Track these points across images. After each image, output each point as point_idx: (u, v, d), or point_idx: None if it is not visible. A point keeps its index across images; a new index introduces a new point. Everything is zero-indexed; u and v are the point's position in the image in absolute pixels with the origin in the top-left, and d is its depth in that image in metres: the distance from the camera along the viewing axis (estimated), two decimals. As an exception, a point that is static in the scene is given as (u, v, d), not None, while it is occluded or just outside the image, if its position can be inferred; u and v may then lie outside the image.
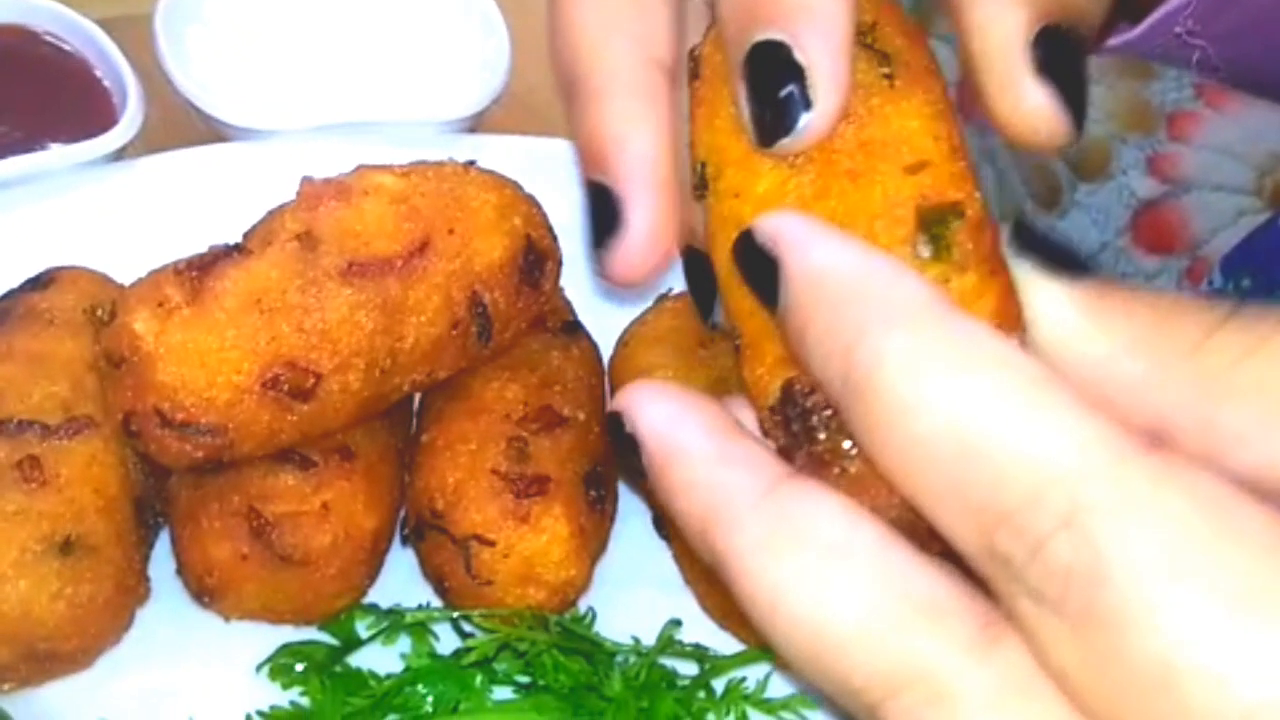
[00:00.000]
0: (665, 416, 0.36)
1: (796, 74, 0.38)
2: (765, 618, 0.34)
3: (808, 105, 0.37)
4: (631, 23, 0.43)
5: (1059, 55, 0.40)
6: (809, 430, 0.36)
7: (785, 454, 0.37)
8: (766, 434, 0.38)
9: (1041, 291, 0.35)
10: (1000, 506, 0.31)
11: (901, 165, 0.37)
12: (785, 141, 0.38)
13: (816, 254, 0.35)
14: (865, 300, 0.33)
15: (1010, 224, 0.36)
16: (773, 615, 0.33)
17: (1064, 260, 0.36)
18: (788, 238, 0.35)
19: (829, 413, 0.35)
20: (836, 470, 0.35)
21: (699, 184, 0.41)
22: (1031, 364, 0.32)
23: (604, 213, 0.42)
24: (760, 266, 0.36)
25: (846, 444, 0.35)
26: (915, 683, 0.32)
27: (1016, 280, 0.36)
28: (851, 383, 0.33)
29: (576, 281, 0.82)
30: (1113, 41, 0.67)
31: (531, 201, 0.77)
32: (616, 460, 0.38)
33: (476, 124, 0.96)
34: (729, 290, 0.39)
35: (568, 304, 0.84)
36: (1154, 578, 0.29)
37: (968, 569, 0.33)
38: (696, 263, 0.43)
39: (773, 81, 0.38)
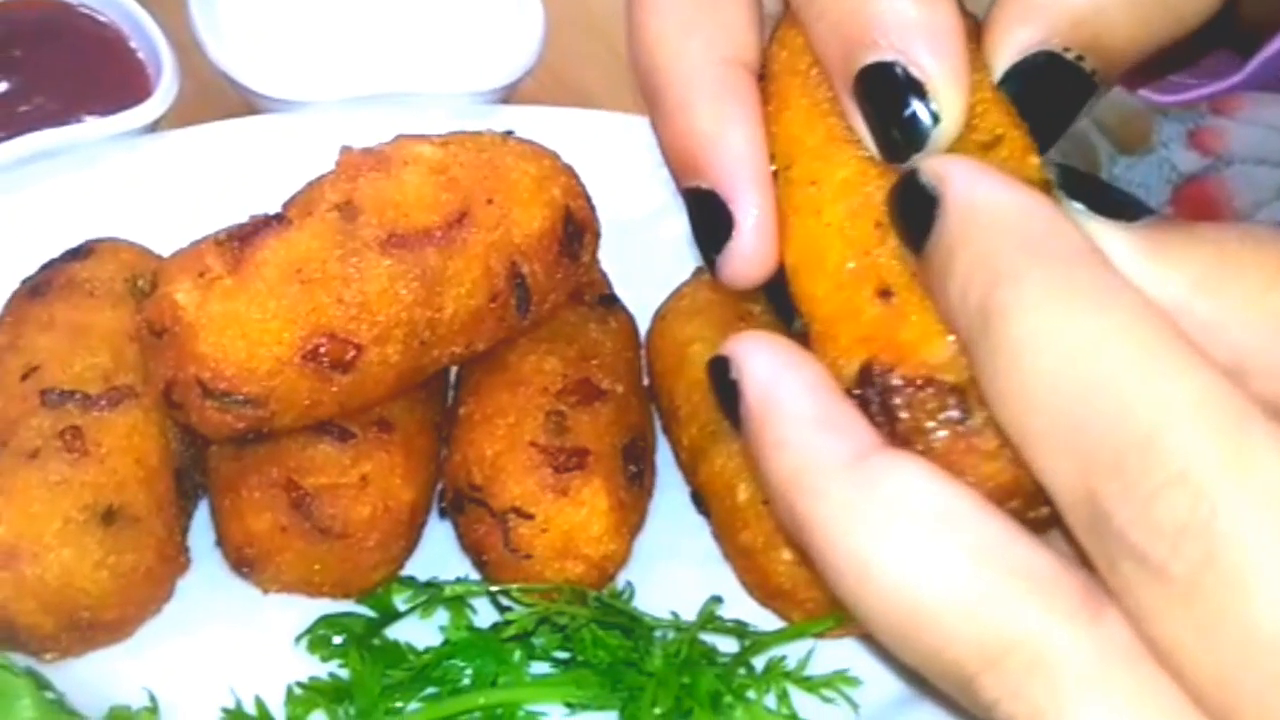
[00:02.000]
0: (771, 367, 0.36)
1: (918, 91, 0.37)
2: (851, 587, 0.33)
3: (934, 117, 0.37)
4: (709, 24, 0.42)
5: (1043, 80, 0.40)
6: (889, 410, 0.35)
7: None
8: None
9: (1098, 235, 0.34)
10: (1110, 452, 0.30)
11: (979, 144, 0.37)
12: (919, 155, 0.37)
13: (981, 188, 0.34)
14: (1021, 237, 0.33)
15: (1056, 170, 0.36)
16: (860, 584, 0.33)
17: (1116, 203, 0.35)
18: (954, 174, 0.35)
19: (910, 391, 0.35)
20: (920, 448, 0.35)
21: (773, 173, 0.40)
22: (1166, 320, 0.31)
23: (710, 217, 0.41)
24: (916, 203, 0.35)
25: (929, 423, 0.35)
26: (1014, 651, 0.31)
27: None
28: (986, 312, 0.32)
29: (613, 254, 0.81)
30: (1217, 86, 0.67)
31: (570, 172, 0.76)
32: (717, 404, 0.38)
33: (509, 95, 0.95)
34: (799, 274, 0.39)
35: (604, 277, 0.83)
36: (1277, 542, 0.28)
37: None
38: (775, 284, 0.42)
39: (894, 101, 0.37)
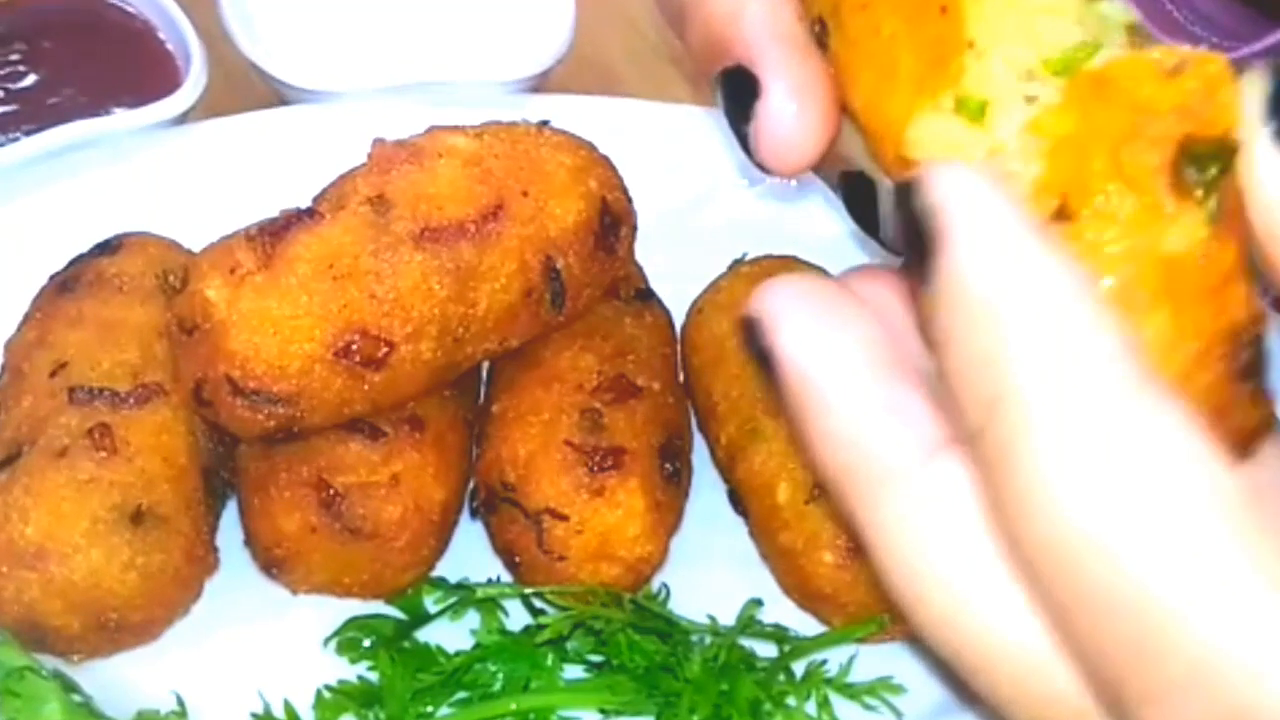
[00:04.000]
0: (808, 341, 0.31)
1: None
2: (907, 601, 0.31)
3: None
4: None
5: None
6: None
7: None
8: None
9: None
10: (1150, 672, 0.26)
11: (1159, 72, 0.31)
12: None
13: (991, 241, 0.28)
14: (1035, 339, 0.27)
15: (1267, 89, 0.29)
16: (915, 604, 0.30)
17: None
18: (958, 208, 0.29)
19: None
20: None
21: (819, 33, 0.37)
22: (1231, 491, 0.26)
23: (739, 91, 0.37)
24: (914, 225, 0.30)
25: None
26: None
27: (1251, 149, 0.29)
28: (989, 442, 0.27)
29: (649, 248, 0.79)
30: (1266, 42, 0.63)
31: (607, 163, 0.74)
32: (755, 372, 0.33)
33: (541, 84, 0.93)
34: (872, 112, 0.35)
35: (640, 271, 0.81)
36: None
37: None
38: (855, 183, 0.38)
39: None
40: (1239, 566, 0.26)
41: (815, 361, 0.31)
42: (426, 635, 0.72)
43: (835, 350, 0.31)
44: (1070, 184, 0.31)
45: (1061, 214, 0.31)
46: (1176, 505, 0.26)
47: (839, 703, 0.70)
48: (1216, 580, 0.26)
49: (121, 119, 0.86)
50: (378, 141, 0.70)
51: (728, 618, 0.73)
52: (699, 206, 0.88)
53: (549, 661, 0.71)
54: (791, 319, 0.31)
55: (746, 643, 0.72)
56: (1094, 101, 0.32)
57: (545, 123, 0.74)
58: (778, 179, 0.38)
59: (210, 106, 0.89)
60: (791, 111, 0.36)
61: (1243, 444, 0.32)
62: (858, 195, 0.38)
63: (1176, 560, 0.26)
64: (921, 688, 0.71)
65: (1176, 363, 0.30)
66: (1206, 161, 0.31)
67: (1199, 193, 0.31)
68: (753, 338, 0.33)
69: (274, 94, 0.92)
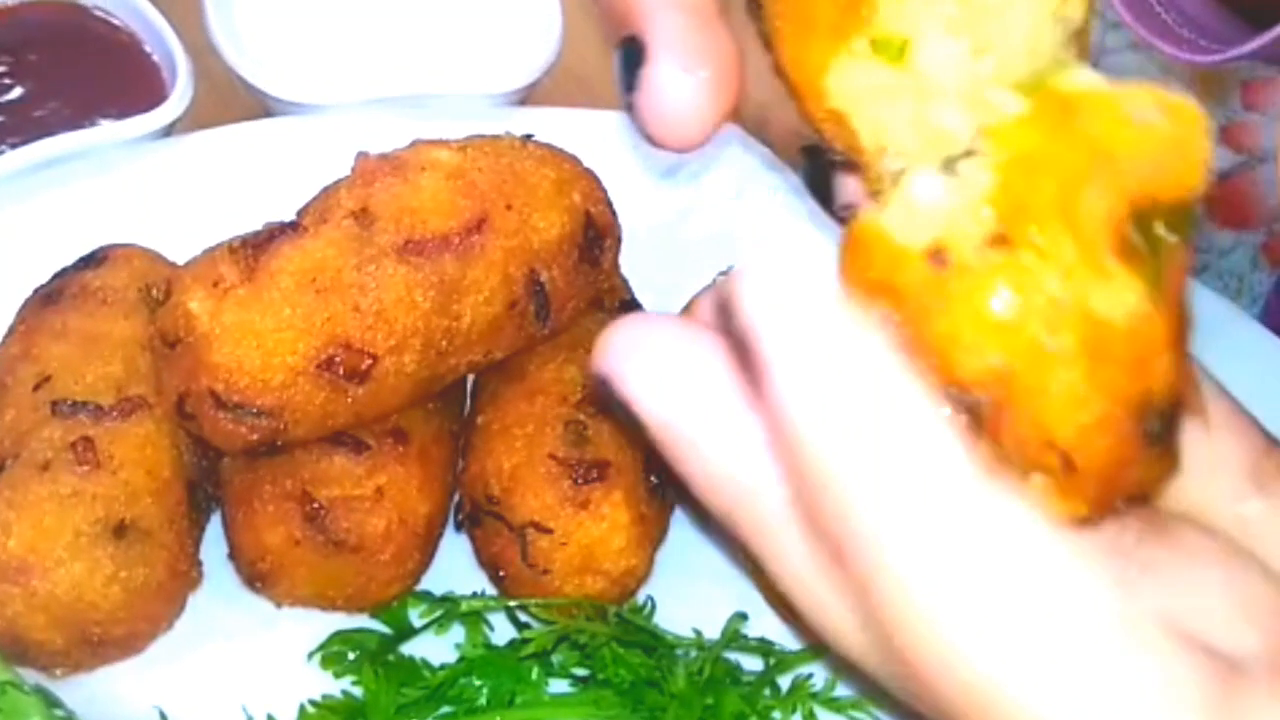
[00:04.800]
0: (658, 387, 0.30)
1: None
2: (818, 628, 0.31)
3: None
4: None
5: None
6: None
7: None
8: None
9: None
10: None
11: (1134, 112, 0.30)
12: None
13: (796, 379, 0.28)
14: (866, 479, 0.27)
15: None
16: (823, 623, 0.31)
17: None
18: (765, 329, 0.29)
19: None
20: None
21: None
22: (1111, 599, 0.27)
23: (630, 61, 0.36)
24: (738, 340, 0.30)
25: None
26: None
27: None
28: (851, 570, 0.28)
29: (634, 259, 0.80)
30: (1239, 49, 0.63)
31: (591, 176, 0.74)
32: (622, 422, 0.32)
33: (527, 96, 0.94)
34: (801, 63, 0.34)
35: (625, 282, 0.82)
36: None
37: None
38: (813, 155, 0.37)
39: None
40: (1124, 677, 0.26)
41: (670, 407, 0.31)
42: (411, 649, 0.72)
43: (687, 391, 0.31)
44: (1015, 210, 0.30)
45: (1001, 239, 0.30)
46: (1050, 628, 0.27)
47: (825, 716, 0.70)
48: (1108, 696, 0.26)
49: (107, 131, 0.86)
50: (361, 154, 0.70)
51: (713, 631, 0.73)
52: (685, 218, 0.89)
53: (534, 675, 0.71)
54: (637, 369, 0.31)
55: (732, 656, 0.72)
56: (1058, 127, 0.30)
57: (529, 136, 0.74)
58: (671, 153, 0.37)
59: (196, 119, 0.89)
60: (682, 82, 0.35)
61: (1139, 495, 0.32)
62: (816, 169, 0.37)
63: (1065, 683, 0.26)
64: (906, 700, 0.71)
65: (1079, 420, 0.29)
66: (1160, 224, 0.30)
67: (1144, 256, 0.30)
68: (607, 393, 0.32)
69: (260, 106, 0.92)
